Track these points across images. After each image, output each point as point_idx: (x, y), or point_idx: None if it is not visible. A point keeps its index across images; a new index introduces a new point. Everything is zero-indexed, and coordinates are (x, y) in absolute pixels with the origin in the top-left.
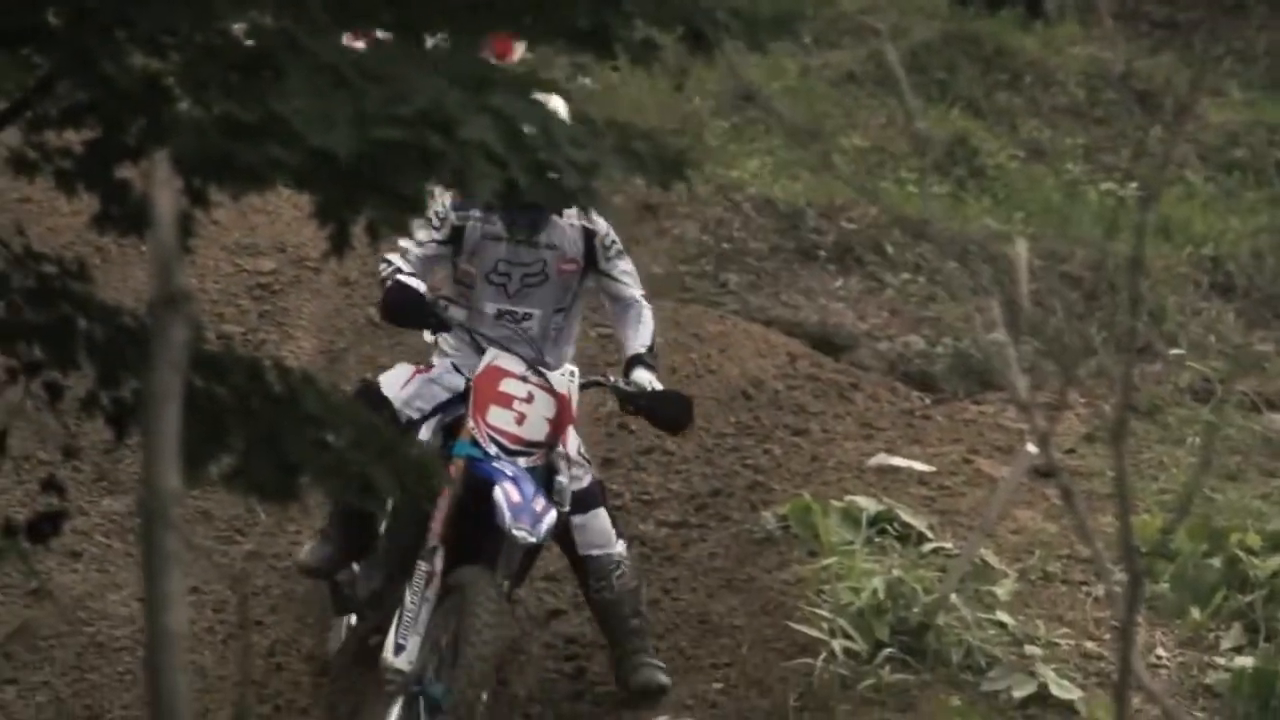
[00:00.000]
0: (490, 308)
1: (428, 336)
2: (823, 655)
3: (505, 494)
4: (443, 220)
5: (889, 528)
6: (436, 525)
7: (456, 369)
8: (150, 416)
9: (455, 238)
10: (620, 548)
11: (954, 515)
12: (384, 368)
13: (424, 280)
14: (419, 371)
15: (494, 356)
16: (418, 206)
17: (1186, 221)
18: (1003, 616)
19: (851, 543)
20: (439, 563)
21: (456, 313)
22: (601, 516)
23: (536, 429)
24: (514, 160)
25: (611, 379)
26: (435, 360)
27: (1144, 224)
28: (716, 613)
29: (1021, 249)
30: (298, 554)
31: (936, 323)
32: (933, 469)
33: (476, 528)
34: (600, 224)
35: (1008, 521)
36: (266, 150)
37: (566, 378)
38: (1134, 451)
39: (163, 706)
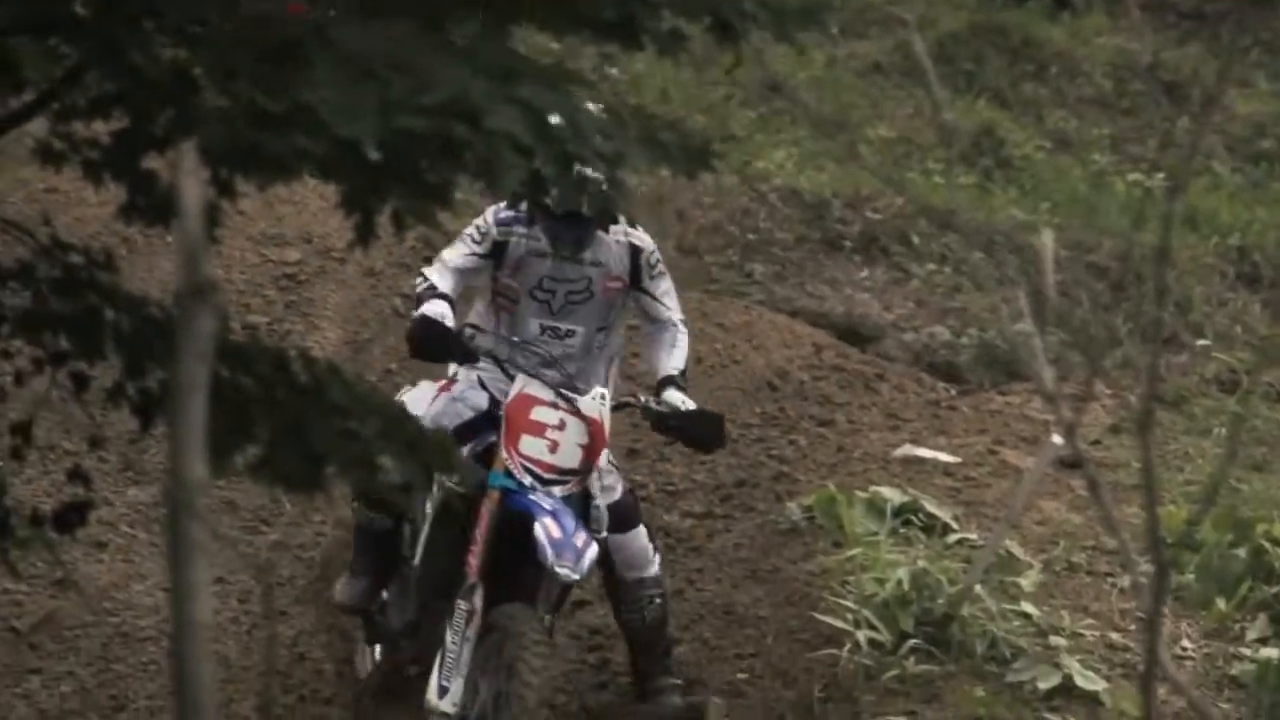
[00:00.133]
0: (534, 324)
1: (451, 370)
2: (847, 646)
3: (546, 530)
4: (484, 234)
5: (914, 518)
6: (474, 560)
7: (481, 384)
8: (177, 407)
9: (496, 252)
10: (655, 567)
11: (979, 506)
12: (406, 359)
13: (459, 294)
14: (443, 389)
15: (524, 384)
16: (444, 196)
17: (1213, 212)
18: (1027, 607)
19: (876, 534)
20: (479, 600)
21: (484, 341)
22: (640, 536)
23: (570, 456)
24: (540, 151)
25: (642, 399)
26: (459, 375)
27: (1171, 214)
28: (741, 603)
29: (1048, 240)
30: (334, 593)
31: (962, 313)
32: (958, 460)
33: (513, 560)
34: (646, 241)
35: (1033, 512)
36: (293, 140)
37: (597, 401)
38: (1160, 442)
39: (187, 696)
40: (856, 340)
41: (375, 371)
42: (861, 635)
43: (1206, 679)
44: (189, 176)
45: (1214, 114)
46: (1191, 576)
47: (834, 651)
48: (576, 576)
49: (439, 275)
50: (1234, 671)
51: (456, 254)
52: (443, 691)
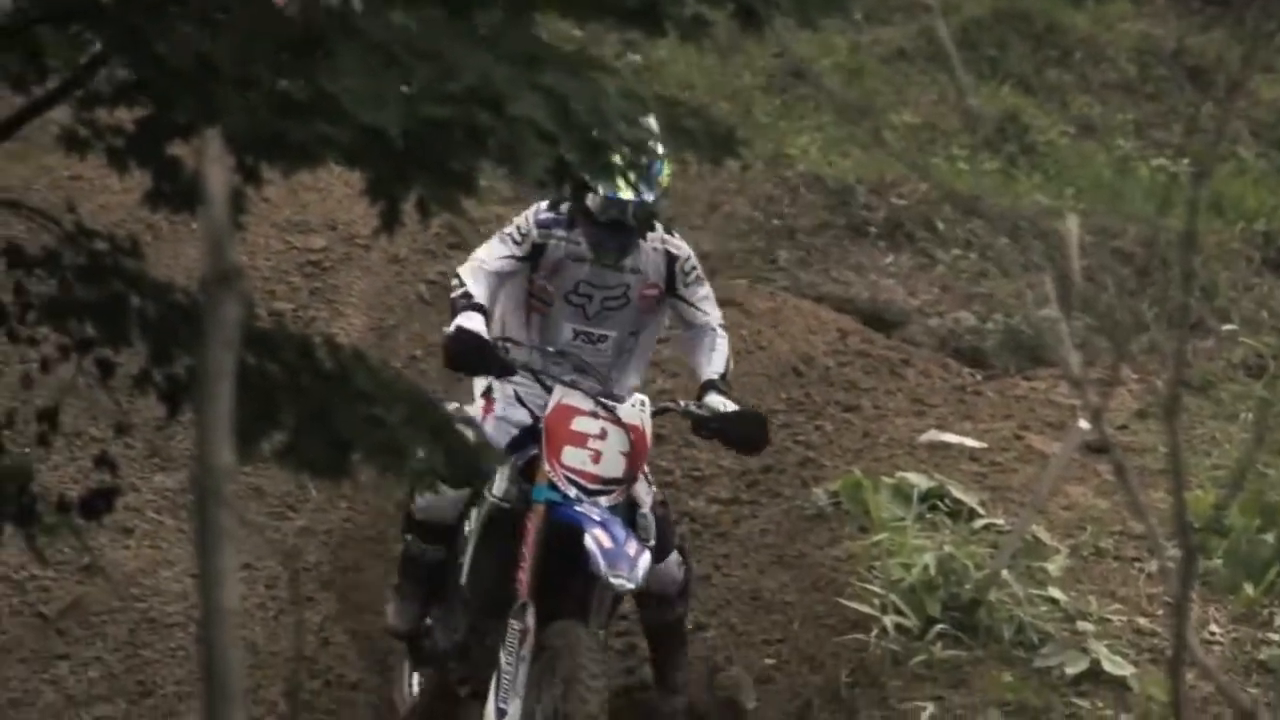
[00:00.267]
0: (567, 329)
1: (479, 385)
2: (874, 631)
3: (597, 541)
4: (524, 235)
5: (940, 504)
6: (524, 578)
7: (519, 399)
8: (203, 393)
9: (535, 254)
10: (681, 582)
11: (1005, 491)
12: (431, 346)
13: (494, 299)
14: (486, 410)
15: (562, 394)
16: (468, 184)
17: (1239, 197)
18: (1054, 592)
19: (902, 519)
20: (531, 619)
21: (519, 354)
22: (671, 566)
23: (614, 465)
24: (564, 138)
25: (682, 404)
26: (496, 394)
27: (1197, 200)
28: (768, 589)
29: (1073, 225)
30: (384, 620)
31: (987, 299)
32: (984, 445)
33: (561, 573)
34: (682, 248)
35: (1059, 497)
36: (317, 128)
37: (638, 408)
38: (1186, 427)
39: (215, 681)
40: (882, 326)
41: (400, 358)
42: (888, 620)
43: (1234, 664)
44: (214, 163)
45: (1239, 99)
46: (1219, 561)
47: (861, 637)
48: (631, 585)
49: (474, 279)
50: (1262, 656)
51: (494, 254)
52: (501, 714)
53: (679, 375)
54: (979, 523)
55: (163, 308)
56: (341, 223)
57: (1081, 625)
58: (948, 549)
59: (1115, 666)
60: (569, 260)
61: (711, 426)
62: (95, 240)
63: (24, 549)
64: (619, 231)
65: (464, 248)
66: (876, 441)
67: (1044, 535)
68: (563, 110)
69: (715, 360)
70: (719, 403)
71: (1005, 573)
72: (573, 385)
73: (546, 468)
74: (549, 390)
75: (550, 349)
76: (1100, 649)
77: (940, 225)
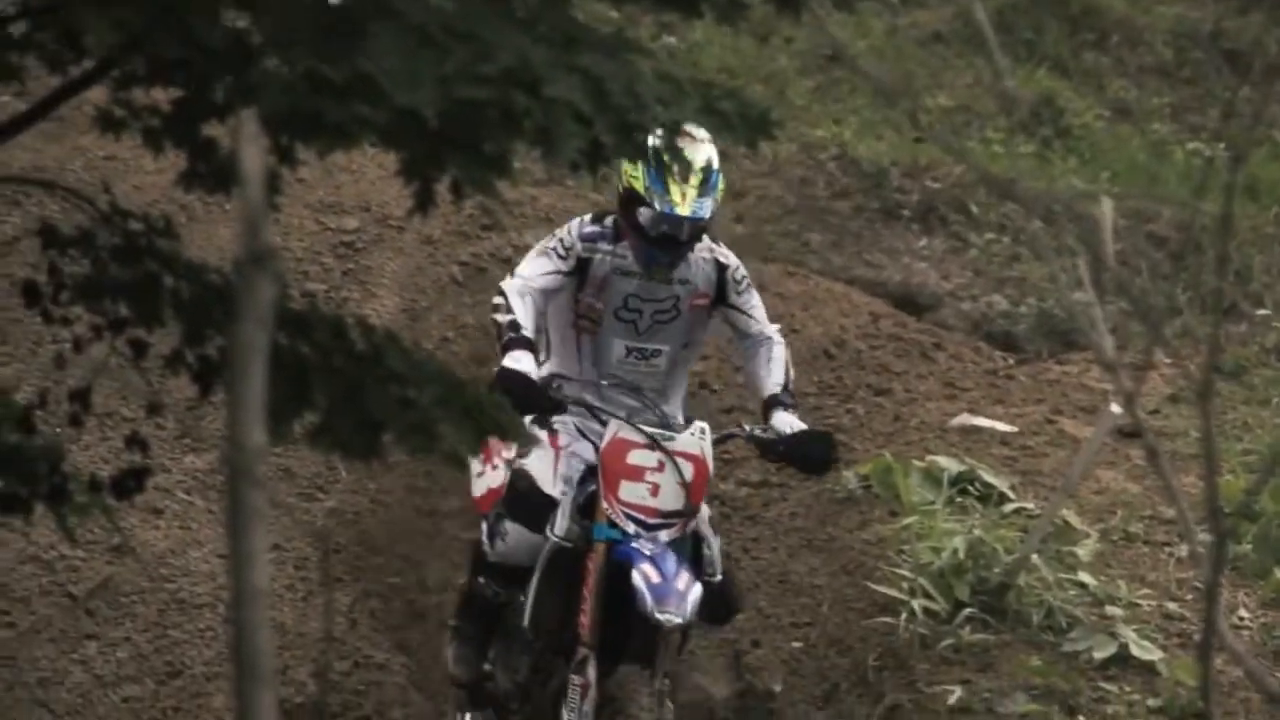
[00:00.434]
0: (619, 346)
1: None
2: (903, 615)
3: (644, 577)
4: (568, 249)
5: (970, 488)
6: (585, 620)
7: (581, 433)
8: (236, 373)
9: (579, 269)
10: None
11: (1036, 475)
12: (463, 327)
13: (540, 320)
14: (554, 448)
15: (617, 428)
16: (503, 166)
17: (1274, 182)
18: (1084, 577)
19: (932, 502)
20: (592, 673)
21: (570, 389)
22: (722, 629)
23: (673, 498)
24: (600, 120)
25: (746, 429)
26: (558, 427)
27: (1232, 184)
28: (797, 572)
29: (1107, 209)
30: (444, 663)
31: (1020, 282)
32: (1015, 429)
33: (624, 614)
34: (731, 258)
35: (1090, 481)
36: (353, 109)
37: (696, 436)
38: (1219, 412)
39: (245, 662)
40: (914, 309)
41: (433, 339)
42: (917, 604)
43: (1264, 649)
44: (250, 144)
45: (1276, 83)
46: (1249, 546)
47: (889, 620)
48: (679, 620)
49: (520, 299)
50: None
51: (538, 270)
52: None
53: (709, 358)
54: (1009, 507)
55: (196, 288)
56: (375, 204)
57: (1110, 610)
58: (977, 533)
59: (1144, 651)
60: (615, 275)
61: (778, 450)
62: (130, 220)
63: (54, 529)
64: (670, 246)
65: (497, 229)
66: (907, 425)
67: (1074, 519)
68: (598, 92)
69: (775, 371)
70: (785, 422)
71: (1035, 557)
72: (628, 419)
73: (604, 505)
74: (605, 423)
75: (604, 382)
76: (1129, 633)
77: (974, 208)
